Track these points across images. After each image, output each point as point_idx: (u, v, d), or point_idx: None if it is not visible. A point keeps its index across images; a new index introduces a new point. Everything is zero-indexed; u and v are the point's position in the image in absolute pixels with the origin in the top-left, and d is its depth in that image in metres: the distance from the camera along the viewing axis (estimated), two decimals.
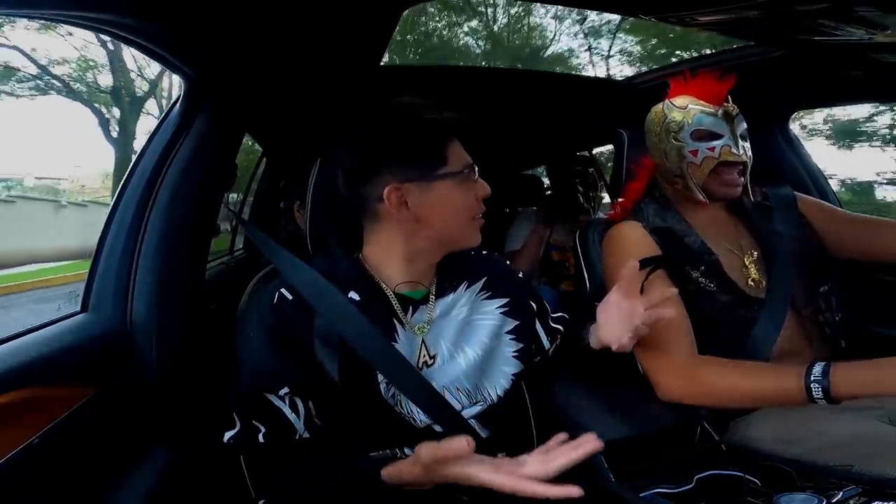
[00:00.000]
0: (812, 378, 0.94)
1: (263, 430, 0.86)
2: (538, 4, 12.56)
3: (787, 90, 1.58)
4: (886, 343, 1.40)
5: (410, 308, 0.96)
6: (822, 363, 0.95)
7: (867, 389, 0.92)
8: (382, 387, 0.90)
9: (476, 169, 0.96)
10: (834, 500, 0.81)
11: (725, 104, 1.19)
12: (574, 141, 2.71)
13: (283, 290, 0.93)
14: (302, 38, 1.17)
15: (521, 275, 1.13)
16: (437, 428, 0.92)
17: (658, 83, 1.42)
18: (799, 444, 1.01)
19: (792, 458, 0.99)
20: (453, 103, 2.01)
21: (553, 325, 1.13)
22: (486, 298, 1.03)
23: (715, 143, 1.16)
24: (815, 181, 1.74)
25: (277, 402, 0.87)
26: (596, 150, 3.14)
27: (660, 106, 1.25)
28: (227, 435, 0.88)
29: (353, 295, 0.94)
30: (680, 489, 0.94)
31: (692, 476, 0.96)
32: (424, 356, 0.94)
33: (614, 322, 0.94)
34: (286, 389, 0.87)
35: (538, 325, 1.11)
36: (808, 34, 0.96)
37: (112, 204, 1.16)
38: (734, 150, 1.16)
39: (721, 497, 0.89)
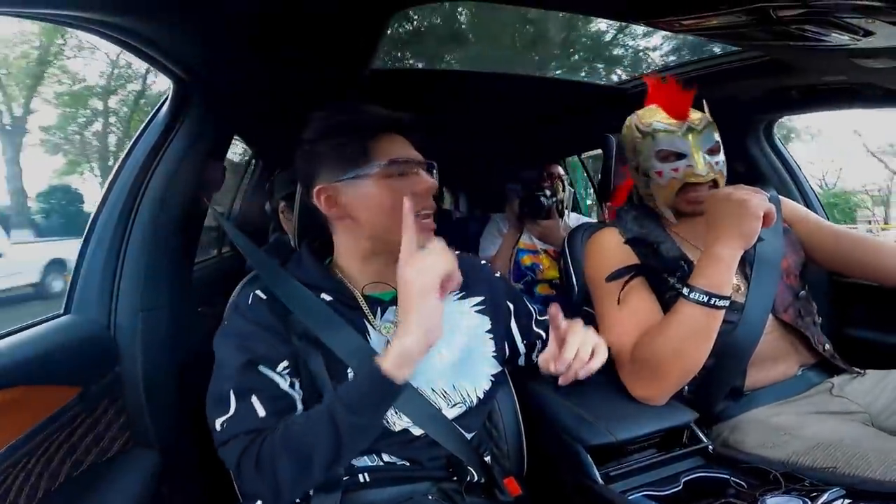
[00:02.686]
0: (688, 293, 1.04)
1: (265, 405, 0.83)
2: None
3: (772, 96, 1.59)
4: (866, 346, 1.42)
5: (379, 309, 0.97)
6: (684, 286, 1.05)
7: (721, 274, 1.03)
8: None
9: (413, 164, 0.94)
10: (819, 503, 0.82)
11: (691, 118, 1.18)
12: (564, 145, 2.72)
13: (257, 292, 0.93)
14: (291, 41, 1.16)
15: (498, 274, 1.13)
16: (416, 431, 0.91)
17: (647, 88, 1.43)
18: (783, 448, 1.02)
19: (776, 461, 0.99)
20: (443, 107, 2.01)
21: (536, 328, 1.12)
22: (460, 298, 1.03)
23: (679, 163, 1.17)
24: (800, 188, 1.75)
25: (276, 378, 0.86)
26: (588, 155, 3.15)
27: (630, 120, 1.26)
28: (219, 421, 0.83)
29: (325, 296, 0.95)
30: (667, 491, 0.94)
31: (679, 478, 0.96)
32: None
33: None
34: (286, 363, 0.87)
35: (513, 325, 1.10)
36: (793, 40, 0.97)
37: (97, 205, 1.14)
38: (698, 171, 1.16)
39: (708, 499, 0.90)
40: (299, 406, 0.87)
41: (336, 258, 1.01)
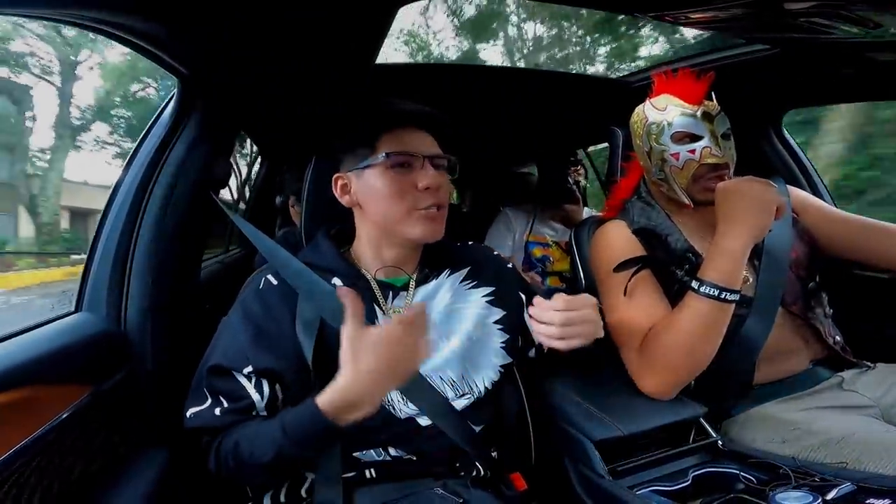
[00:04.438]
0: (698, 286, 1.04)
1: (225, 404, 0.89)
2: None
3: (781, 89, 1.58)
4: (876, 339, 1.41)
5: (391, 294, 0.98)
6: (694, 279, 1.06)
7: (731, 267, 1.04)
8: None
9: (420, 158, 0.95)
10: (829, 497, 0.82)
11: (705, 103, 1.17)
12: (569, 139, 2.71)
13: (268, 276, 0.98)
14: (295, 37, 1.16)
15: (510, 265, 1.13)
16: (422, 421, 0.92)
17: (652, 81, 1.43)
18: (792, 444, 1.02)
19: (786, 456, 0.99)
20: (448, 101, 2.00)
21: None
22: (470, 287, 1.04)
23: (695, 144, 1.15)
24: (809, 180, 1.74)
25: (241, 379, 0.89)
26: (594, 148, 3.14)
27: (641, 107, 1.25)
28: (190, 411, 0.90)
29: (336, 281, 0.97)
30: (676, 486, 0.94)
31: (688, 473, 0.96)
32: None
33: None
34: (250, 368, 0.89)
35: (527, 316, 1.10)
36: (800, 32, 0.96)
37: (106, 203, 1.15)
38: (714, 152, 1.14)
39: (717, 494, 0.90)
40: (259, 407, 0.90)
41: (355, 245, 1.04)
